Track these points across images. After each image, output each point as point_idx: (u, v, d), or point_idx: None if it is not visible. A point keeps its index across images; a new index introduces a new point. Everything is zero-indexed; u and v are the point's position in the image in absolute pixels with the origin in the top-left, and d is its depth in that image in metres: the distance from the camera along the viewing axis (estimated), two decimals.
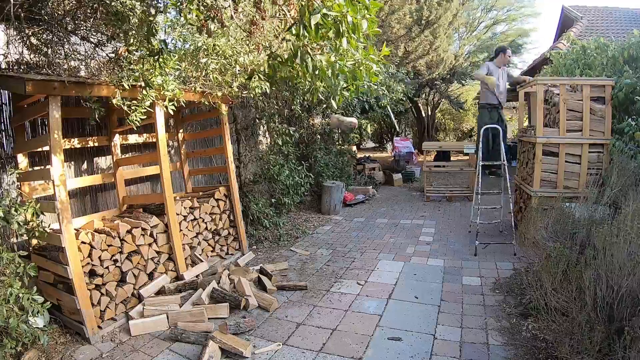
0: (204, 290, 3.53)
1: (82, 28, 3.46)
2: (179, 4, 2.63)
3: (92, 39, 3.58)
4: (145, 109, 3.07)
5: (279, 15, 2.40)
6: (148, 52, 2.69)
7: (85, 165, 4.02)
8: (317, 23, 1.79)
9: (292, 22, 2.22)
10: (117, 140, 4.21)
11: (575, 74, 5.36)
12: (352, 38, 1.99)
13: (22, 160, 3.32)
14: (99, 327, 3.07)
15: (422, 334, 3.01)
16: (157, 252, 3.76)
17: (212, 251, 4.61)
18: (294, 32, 1.88)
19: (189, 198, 4.44)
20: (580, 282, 2.38)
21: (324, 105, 6.97)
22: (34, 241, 3.27)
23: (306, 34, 1.88)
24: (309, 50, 2.05)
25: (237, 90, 3.96)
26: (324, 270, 4.47)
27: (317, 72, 2.13)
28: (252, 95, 4.35)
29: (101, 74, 3.40)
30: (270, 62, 2.32)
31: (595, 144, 4.54)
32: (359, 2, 1.89)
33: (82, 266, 3.02)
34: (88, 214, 3.91)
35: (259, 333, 3.09)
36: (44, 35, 3.22)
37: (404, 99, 10.42)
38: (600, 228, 2.51)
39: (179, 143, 5.07)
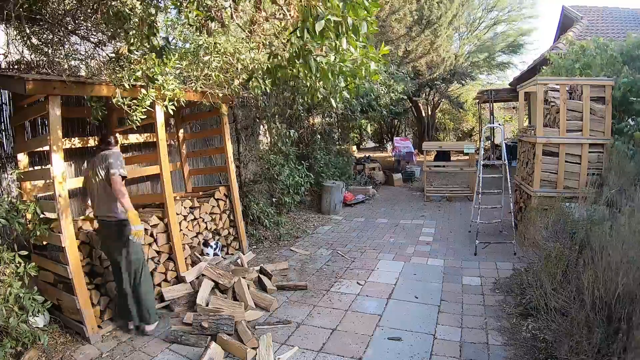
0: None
1: (82, 27, 3.46)
2: (178, 3, 2.63)
3: (92, 39, 3.59)
4: (145, 108, 3.07)
5: (279, 15, 2.40)
6: (150, 50, 2.68)
7: (85, 165, 4.02)
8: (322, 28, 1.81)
9: (292, 21, 2.23)
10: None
11: (575, 73, 5.36)
12: (351, 38, 2.00)
13: (23, 160, 3.32)
14: (99, 326, 3.07)
15: (422, 334, 3.01)
16: (157, 252, 3.76)
17: None
18: (298, 34, 1.88)
19: (189, 198, 4.44)
20: (579, 282, 2.39)
21: (325, 104, 6.98)
22: (34, 240, 3.27)
23: (309, 37, 1.89)
24: (311, 50, 2.05)
25: (238, 89, 3.95)
26: (324, 270, 4.48)
27: (317, 74, 2.13)
28: (252, 95, 4.34)
29: (101, 73, 3.40)
30: (270, 62, 2.32)
31: (595, 144, 4.54)
32: (359, 5, 1.89)
33: (82, 266, 3.02)
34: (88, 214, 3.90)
35: (259, 333, 3.10)
36: (44, 35, 3.22)
37: (404, 97, 10.40)
38: (597, 228, 2.51)
39: (179, 143, 5.07)
